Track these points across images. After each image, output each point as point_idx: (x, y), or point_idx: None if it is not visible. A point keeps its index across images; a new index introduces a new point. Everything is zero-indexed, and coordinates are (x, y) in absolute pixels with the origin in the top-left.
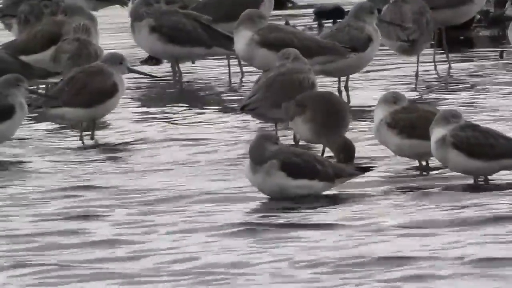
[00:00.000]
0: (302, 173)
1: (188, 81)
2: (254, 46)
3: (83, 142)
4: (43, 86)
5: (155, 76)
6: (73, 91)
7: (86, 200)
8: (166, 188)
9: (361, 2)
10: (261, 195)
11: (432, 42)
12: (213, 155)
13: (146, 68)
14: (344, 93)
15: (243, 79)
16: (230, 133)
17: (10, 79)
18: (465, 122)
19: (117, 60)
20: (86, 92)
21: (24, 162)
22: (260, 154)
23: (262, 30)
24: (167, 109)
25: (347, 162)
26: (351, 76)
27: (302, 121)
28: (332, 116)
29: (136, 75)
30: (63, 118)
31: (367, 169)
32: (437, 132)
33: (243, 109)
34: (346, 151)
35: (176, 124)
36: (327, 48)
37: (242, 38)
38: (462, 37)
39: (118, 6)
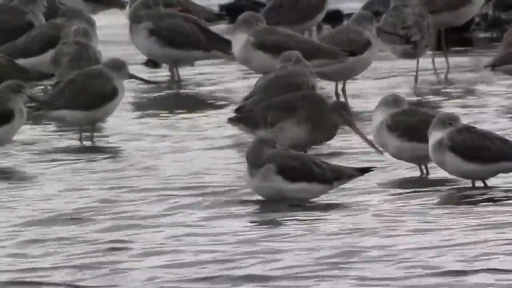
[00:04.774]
0: (300, 176)
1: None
2: (250, 48)
3: (82, 143)
4: (42, 87)
5: (156, 82)
6: (73, 93)
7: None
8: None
9: (362, 11)
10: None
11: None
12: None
13: (145, 72)
14: (341, 96)
15: None
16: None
17: (12, 85)
18: (462, 125)
19: (119, 66)
20: (86, 95)
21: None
22: (257, 157)
23: (258, 32)
24: (165, 113)
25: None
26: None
27: (294, 124)
28: (324, 111)
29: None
30: (63, 121)
31: (367, 170)
32: (435, 136)
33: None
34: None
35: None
36: (324, 51)
37: (239, 41)
38: (461, 39)
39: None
